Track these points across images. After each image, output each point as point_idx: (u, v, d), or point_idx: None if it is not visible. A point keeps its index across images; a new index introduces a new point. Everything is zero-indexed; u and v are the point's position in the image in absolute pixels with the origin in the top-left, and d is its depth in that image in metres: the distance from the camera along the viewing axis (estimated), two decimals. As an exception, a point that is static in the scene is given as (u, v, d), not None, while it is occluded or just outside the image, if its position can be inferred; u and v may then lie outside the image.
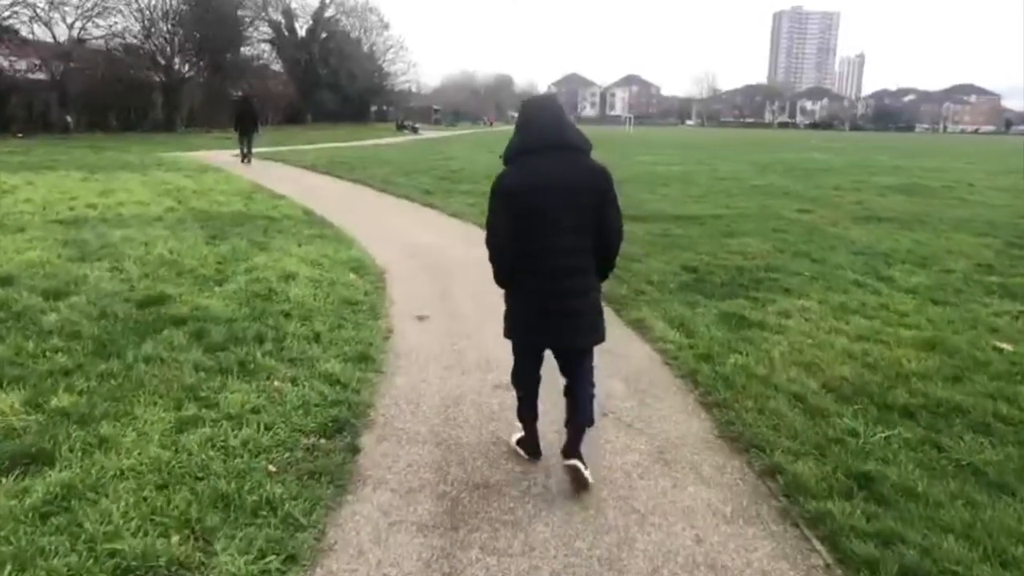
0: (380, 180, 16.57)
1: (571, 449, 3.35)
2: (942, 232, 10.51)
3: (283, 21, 60.59)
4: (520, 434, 3.69)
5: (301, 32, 62.96)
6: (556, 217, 3.11)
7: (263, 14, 56.56)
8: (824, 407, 4.23)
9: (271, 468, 3.40)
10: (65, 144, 25.81)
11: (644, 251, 8.68)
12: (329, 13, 65.31)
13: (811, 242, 9.52)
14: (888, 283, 7.37)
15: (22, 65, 35.17)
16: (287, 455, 3.53)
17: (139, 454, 3.42)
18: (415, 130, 56.18)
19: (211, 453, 3.48)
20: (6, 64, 34.46)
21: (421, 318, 6.00)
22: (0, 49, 33.02)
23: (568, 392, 3.47)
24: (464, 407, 4.25)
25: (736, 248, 8.97)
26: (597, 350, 3.50)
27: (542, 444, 3.68)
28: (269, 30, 58.68)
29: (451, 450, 3.72)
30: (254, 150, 20.75)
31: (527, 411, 3.62)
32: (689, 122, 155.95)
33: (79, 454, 3.42)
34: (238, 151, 20.61)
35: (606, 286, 6.84)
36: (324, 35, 64.62)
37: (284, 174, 17.99)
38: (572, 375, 3.45)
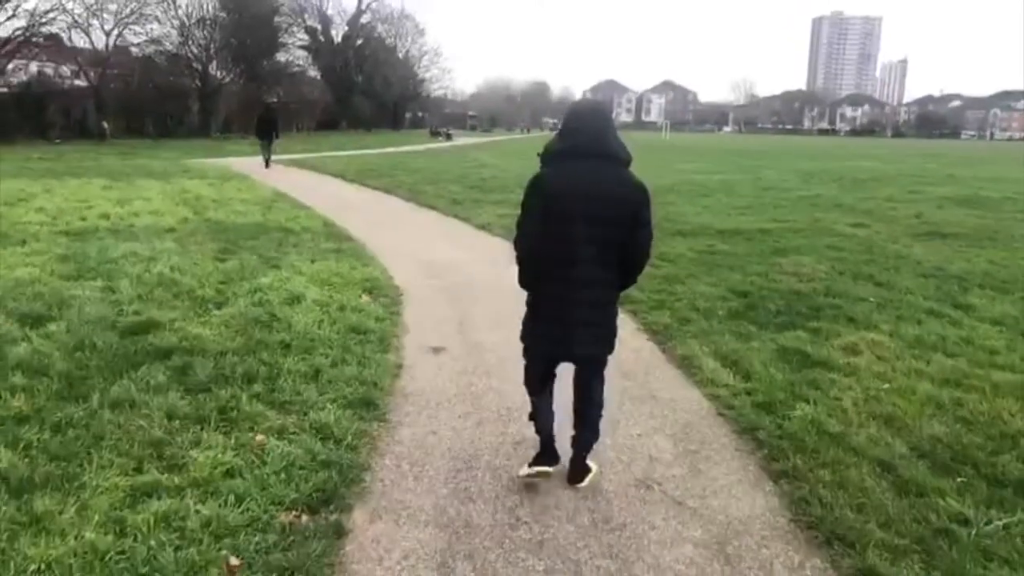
0: (408, 188, 15.99)
1: (576, 474, 3.39)
2: (1017, 251, 9.55)
3: (319, 27, 60.77)
4: (528, 466, 3.41)
5: (337, 39, 63.15)
6: (583, 226, 3.02)
7: (299, 20, 56.81)
8: (919, 480, 3.44)
9: (232, 561, 2.73)
10: (97, 150, 25.76)
11: (688, 271, 7.90)
12: (365, 20, 65.51)
13: (872, 262, 8.65)
14: (968, 312, 6.51)
15: (61, 71, 35.53)
16: (256, 539, 2.86)
17: (75, 538, 2.78)
18: (449, 136, 55.81)
19: (163, 537, 2.82)
20: (46, 71, 34.81)
21: (437, 350, 5.31)
22: (39, 55, 33.31)
23: (576, 405, 3.42)
24: (478, 472, 3.54)
25: (789, 268, 8.15)
26: (641, 396, 3.87)
27: (570, 529, 2.98)
28: (305, 36, 58.87)
29: (459, 536, 3.01)
30: (274, 157, 21.09)
31: (540, 416, 3.43)
32: (726, 128, 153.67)
33: (3, 536, 2.79)
34: (262, 158, 20.95)
35: (648, 317, 6.15)
36: (360, 42, 64.79)
37: (310, 182, 17.54)
38: (583, 387, 3.40)
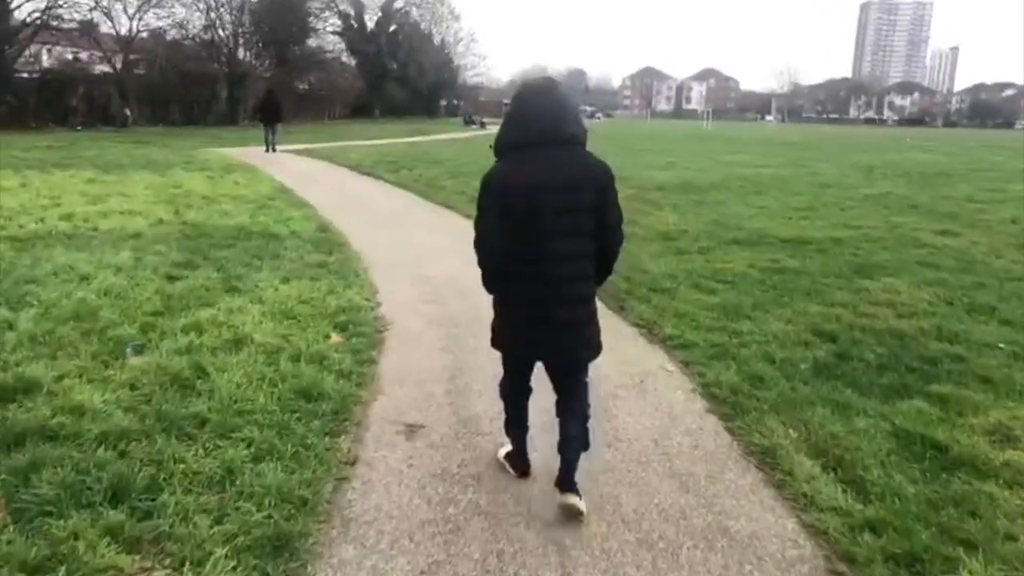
0: (425, 183, 14.50)
1: (565, 481, 2.97)
2: None
3: (352, 12, 59.42)
4: (508, 448, 3.35)
5: (370, 24, 61.75)
6: (552, 219, 2.79)
7: (331, 5, 55.52)
8: None
9: None
10: (111, 138, 24.73)
11: (752, 299, 6.26)
12: (399, 5, 64.00)
13: (982, 286, 6.92)
14: None
15: (84, 57, 34.72)
16: None
17: None
18: (483, 125, 54.23)
19: None
20: (68, 57, 34.03)
21: (412, 429, 3.80)
22: (60, 40, 32.50)
23: (561, 412, 3.11)
24: None
25: (880, 296, 6.46)
26: (706, 528, 2.88)
27: None
28: (338, 22, 57.64)
29: None
30: (291, 147, 20.79)
31: (516, 425, 3.28)
32: (768, 117, 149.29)
33: None
34: (279, 146, 20.45)
35: (706, 372, 4.56)
36: (393, 27, 63.37)
37: (320, 175, 16.18)
38: (566, 392, 3.10)
